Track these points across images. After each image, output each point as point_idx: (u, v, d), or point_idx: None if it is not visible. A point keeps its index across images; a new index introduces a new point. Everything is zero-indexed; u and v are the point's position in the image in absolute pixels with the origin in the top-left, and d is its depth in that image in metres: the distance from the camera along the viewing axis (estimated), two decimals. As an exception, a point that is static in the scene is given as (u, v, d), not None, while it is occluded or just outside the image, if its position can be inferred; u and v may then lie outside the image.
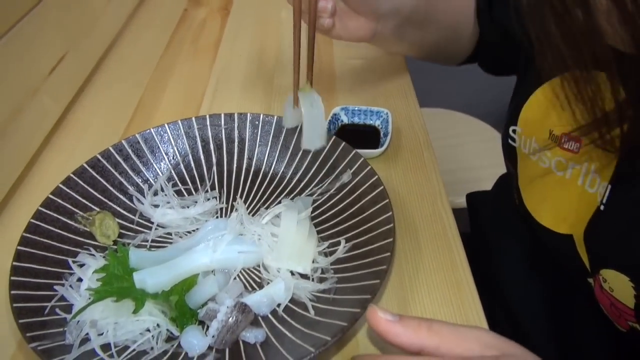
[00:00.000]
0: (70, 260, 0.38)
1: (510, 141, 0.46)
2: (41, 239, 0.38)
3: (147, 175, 0.46)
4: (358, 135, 0.53)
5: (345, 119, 0.54)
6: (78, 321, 0.34)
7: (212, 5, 0.82)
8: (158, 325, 0.34)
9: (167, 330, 0.34)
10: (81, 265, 0.38)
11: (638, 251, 0.34)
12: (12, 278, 0.35)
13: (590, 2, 0.24)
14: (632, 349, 0.40)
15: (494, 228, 0.57)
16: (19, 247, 0.37)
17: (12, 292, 0.34)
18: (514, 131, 0.45)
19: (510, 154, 0.46)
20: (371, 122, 0.54)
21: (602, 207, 0.36)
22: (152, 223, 0.42)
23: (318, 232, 0.41)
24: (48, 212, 0.40)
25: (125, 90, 0.63)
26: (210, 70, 0.66)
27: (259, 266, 0.39)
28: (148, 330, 0.34)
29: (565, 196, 0.39)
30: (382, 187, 0.40)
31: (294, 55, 0.43)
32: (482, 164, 1.06)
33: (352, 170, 0.43)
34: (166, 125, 0.48)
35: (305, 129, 0.44)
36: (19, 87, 0.49)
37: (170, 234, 0.42)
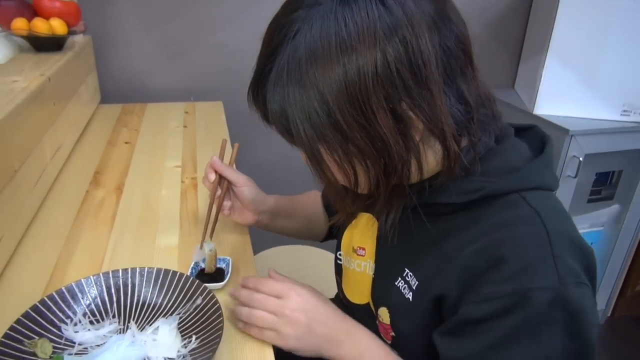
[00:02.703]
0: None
1: (338, 261, 0.80)
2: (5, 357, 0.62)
3: (69, 313, 0.72)
4: (212, 274, 0.84)
5: (202, 265, 0.85)
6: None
7: (108, 187, 1.12)
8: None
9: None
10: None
11: (387, 292, 0.66)
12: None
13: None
14: None
15: None
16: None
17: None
18: (340, 254, 0.79)
19: (338, 269, 0.81)
20: (219, 265, 0.85)
21: (373, 276, 0.69)
22: (75, 342, 0.67)
23: (181, 333, 0.69)
24: (7, 341, 0.64)
25: (44, 256, 0.88)
26: (108, 237, 0.94)
27: (145, 359, 0.66)
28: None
29: (363, 282, 0.73)
30: (218, 304, 0.71)
31: (206, 219, 0.84)
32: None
33: (202, 297, 0.73)
34: (82, 280, 0.75)
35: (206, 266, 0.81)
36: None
37: (86, 348, 0.67)
